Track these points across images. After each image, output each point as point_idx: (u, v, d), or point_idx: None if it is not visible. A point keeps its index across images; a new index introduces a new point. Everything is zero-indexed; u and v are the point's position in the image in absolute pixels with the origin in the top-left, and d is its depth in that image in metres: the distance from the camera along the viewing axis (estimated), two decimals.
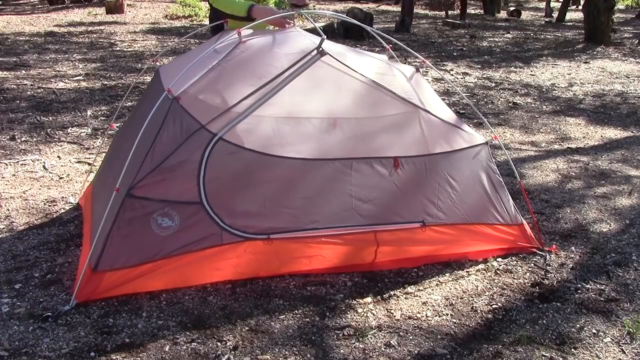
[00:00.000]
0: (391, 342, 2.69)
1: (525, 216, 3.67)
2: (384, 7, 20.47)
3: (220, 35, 3.60)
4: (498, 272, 3.27)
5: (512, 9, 21.05)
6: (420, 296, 3.07)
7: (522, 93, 8.09)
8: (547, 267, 3.36)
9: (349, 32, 11.87)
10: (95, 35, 11.80)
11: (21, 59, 9.17)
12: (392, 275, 3.23)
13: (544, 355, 2.61)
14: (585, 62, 10.50)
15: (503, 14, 20.50)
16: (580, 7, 19.79)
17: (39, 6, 17.37)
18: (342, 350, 2.63)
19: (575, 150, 5.58)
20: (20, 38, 11.26)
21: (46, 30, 12.41)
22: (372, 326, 2.81)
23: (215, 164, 2.95)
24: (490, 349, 2.66)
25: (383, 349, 2.64)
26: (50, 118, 6.15)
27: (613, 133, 6.24)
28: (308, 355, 2.59)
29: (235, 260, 3.04)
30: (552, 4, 21.79)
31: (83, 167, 4.83)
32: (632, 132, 6.34)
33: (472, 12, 20.78)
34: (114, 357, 2.54)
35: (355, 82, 3.26)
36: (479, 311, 2.94)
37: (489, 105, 7.31)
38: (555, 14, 19.73)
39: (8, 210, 3.99)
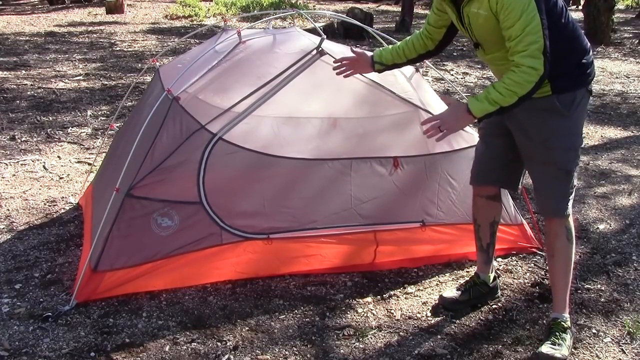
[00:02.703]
0: (391, 342, 2.69)
1: (525, 216, 3.67)
2: (384, 7, 20.47)
3: (220, 35, 3.61)
4: (498, 272, 3.26)
5: None
6: (420, 296, 3.07)
7: None
8: (547, 267, 3.36)
9: (349, 32, 11.87)
10: (95, 35, 11.80)
11: (21, 59, 9.16)
12: (392, 275, 3.23)
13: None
14: None
15: None
16: (580, 7, 19.78)
17: (39, 6, 17.37)
18: (342, 350, 2.63)
19: None
20: (21, 38, 11.26)
21: (46, 30, 12.40)
22: (372, 326, 2.81)
23: (215, 164, 2.95)
24: (490, 349, 2.66)
25: (383, 349, 2.64)
26: (50, 118, 6.15)
27: (613, 133, 6.24)
28: (308, 355, 2.59)
29: (235, 260, 3.04)
30: None
31: (83, 167, 4.83)
32: (632, 132, 6.34)
33: None
34: (114, 357, 2.53)
35: (355, 82, 3.26)
36: (479, 311, 2.94)
37: None
38: None
39: (8, 210, 3.99)
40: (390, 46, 2.95)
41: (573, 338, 2.68)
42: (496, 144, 2.79)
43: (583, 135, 2.66)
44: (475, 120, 2.45)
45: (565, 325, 2.65)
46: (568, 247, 2.67)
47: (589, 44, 2.63)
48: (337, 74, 2.98)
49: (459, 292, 2.98)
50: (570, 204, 2.64)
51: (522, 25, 2.31)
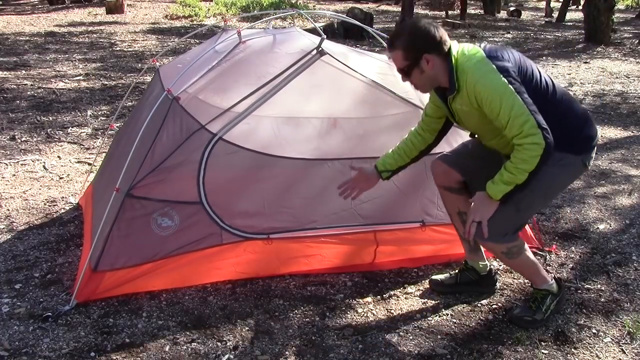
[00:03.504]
0: (391, 342, 2.69)
1: None
2: (384, 7, 20.49)
3: (220, 35, 3.61)
4: (498, 272, 3.26)
5: (512, 9, 21.07)
6: (420, 296, 3.07)
7: None
8: (547, 267, 3.36)
9: (349, 32, 11.89)
10: (95, 35, 11.81)
11: (21, 59, 9.17)
12: (392, 275, 3.23)
13: (544, 353, 2.61)
14: (585, 62, 10.48)
15: (503, 14, 20.51)
16: (580, 7, 19.81)
17: (39, 6, 17.38)
18: (342, 350, 2.63)
19: None
20: (21, 38, 11.27)
21: (46, 30, 12.42)
22: (372, 326, 2.81)
23: (215, 164, 2.95)
24: (490, 349, 2.66)
25: (383, 349, 2.64)
26: (50, 118, 6.16)
27: (613, 133, 6.24)
28: (308, 355, 2.59)
29: (235, 260, 3.04)
30: (552, 4, 21.82)
31: (83, 167, 4.83)
32: (632, 132, 6.35)
33: (472, 12, 20.79)
34: (114, 357, 2.54)
35: (355, 82, 3.26)
36: (479, 311, 2.94)
37: None
38: (555, 14, 19.74)
39: (8, 210, 3.99)
40: (389, 151, 2.91)
41: (559, 303, 2.85)
42: (480, 148, 2.82)
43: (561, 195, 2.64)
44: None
45: (544, 293, 2.81)
46: (512, 261, 2.79)
47: (589, 120, 2.67)
48: (345, 198, 2.94)
49: (447, 275, 3.09)
50: (505, 237, 2.67)
51: (507, 111, 2.36)
